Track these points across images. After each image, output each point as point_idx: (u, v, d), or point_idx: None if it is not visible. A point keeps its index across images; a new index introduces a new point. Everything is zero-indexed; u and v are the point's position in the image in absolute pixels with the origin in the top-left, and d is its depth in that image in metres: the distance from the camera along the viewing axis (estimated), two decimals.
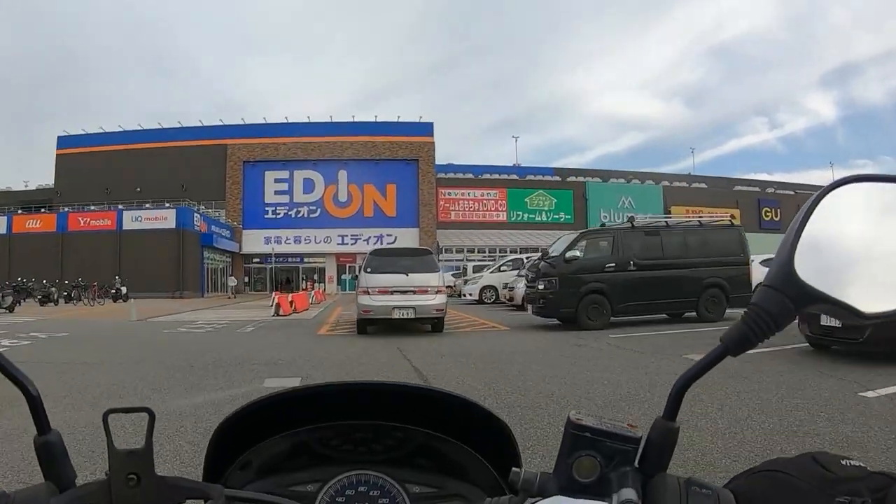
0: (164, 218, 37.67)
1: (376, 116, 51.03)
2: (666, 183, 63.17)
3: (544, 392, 5.63)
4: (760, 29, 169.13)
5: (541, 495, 0.56)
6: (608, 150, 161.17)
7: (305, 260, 48.33)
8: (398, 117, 50.95)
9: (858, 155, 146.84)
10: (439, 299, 11.18)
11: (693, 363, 0.56)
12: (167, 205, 39.42)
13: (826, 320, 6.74)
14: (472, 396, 0.79)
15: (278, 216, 48.40)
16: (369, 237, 47.77)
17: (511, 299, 17.88)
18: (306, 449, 0.83)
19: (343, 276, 47.37)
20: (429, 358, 8.03)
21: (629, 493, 0.52)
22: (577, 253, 11.24)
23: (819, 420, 4.42)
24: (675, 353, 8.02)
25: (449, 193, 53.81)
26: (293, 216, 48.34)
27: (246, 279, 47.96)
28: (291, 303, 18.11)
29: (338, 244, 47.79)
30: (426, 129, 50.52)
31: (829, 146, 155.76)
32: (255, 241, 46.82)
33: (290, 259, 48.15)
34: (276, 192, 48.68)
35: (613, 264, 11.48)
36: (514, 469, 0.57)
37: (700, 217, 14.89)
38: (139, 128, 51.03)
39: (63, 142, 52.03)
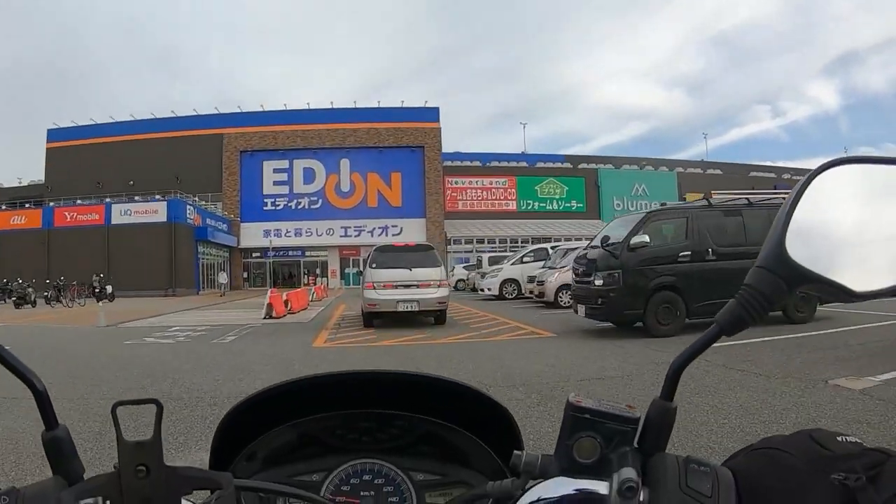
0: (154, 211, 35.27)
1: (379, 102, 48.54)
2: (680, 169, 60.61)
3: None
4: (761, 17, 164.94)
5: (542, 477, 0.57)
6: (611, 140, 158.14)
7: (307, 253, 45.98)
8: (402, 102, 48.42)
9: (861, 142, 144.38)
10: (441, 292, 11.65)
11: (687, 345, 0.57)
12: (157, 197, 36.92)
13: None
14: (473, 383, 0.78)
15: (278, 208, 46.04)
16: (373, 228, 45.41)
17: (540, 295, 15.41)
18: (311, 438, 0.84)
19: (347, 270, 45.03)
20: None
21: (629, 472, 0.52)
22: (645, 238, 8.71)
23: None
24: (810, 376, 5.59)
25: (456, 182, 51.37)
26: (293, 208, 45.96)
27: (245, 275, 45.71)
28: (286, 302, 15.69)
29: (341, 236, 45.39)
30: (432, 114, 47.93)
31: (833, 134, 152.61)
32: (253, 235, 44.43)
33: (290, 253, 45.79)
34: (276, 183, 46.30)
35: (689, 253, 8.99)
36: (515, 452, 0.58)
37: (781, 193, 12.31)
38: (131, 118, 48.72)
39: (53, 135, 49.87)
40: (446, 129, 47.58)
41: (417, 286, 11.43)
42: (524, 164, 56.46)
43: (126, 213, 35.80)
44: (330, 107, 47.52)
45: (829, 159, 0.56)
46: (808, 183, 0.55)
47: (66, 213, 37.19)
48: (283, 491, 0.70)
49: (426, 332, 9.91)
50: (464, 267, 31.72)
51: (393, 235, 45.09)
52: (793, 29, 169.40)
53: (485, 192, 52.59)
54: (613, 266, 8.80)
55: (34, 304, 24.87)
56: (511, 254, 23.93)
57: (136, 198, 37.78)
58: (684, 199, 56.91)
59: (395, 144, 46.66)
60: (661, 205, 10.01)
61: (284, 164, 46.30)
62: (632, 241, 8.74)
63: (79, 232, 35.77)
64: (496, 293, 19.45)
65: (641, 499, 0.52)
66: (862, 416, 4.21)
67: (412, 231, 45.27)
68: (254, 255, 45.23)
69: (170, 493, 0.55)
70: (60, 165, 47.75)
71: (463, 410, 0.82)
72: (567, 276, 14.88)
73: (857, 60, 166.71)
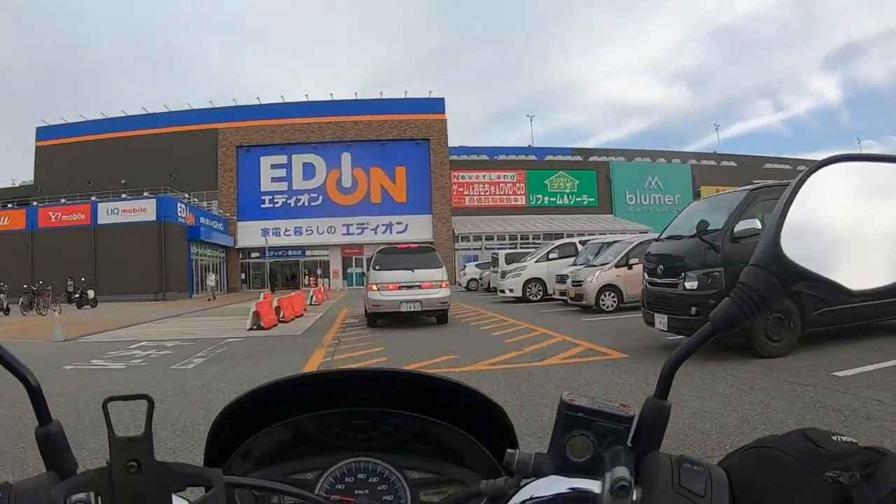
0: (143, 210, 32.93)
1: (381, 93, 46.16)
2: (693, 161, 58.19)
3: None
4: (761, 10, 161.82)
5: (535, 475, 0.57)
6: (613, 136, 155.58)
7: (307, 253, 43.66)
8: (405, 93, 46.06)
9: (863, 135, 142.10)
10: (443, 293, 11.83)
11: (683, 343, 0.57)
12: (145, 194, 34.61)
13: None
14: (467, 382, 0.78)
15: (276, 205, 43.74)
16: (377, 226, 43.08)
17: (578, 297, 13.04)
18: (306, 437, 0.84)
19: (349, 270, 42.70)
20: None
21: (622, 471, 0.52)
22: (755, 224, 6.28)
23: None
24: None
25: (462, 177, 49.04)
26: (292, 205, 43.66)
27: (242, 276, 43.45)
28: (278, 309, 13.38)
29: (343, 234, 43.06)
30: (437, 105, 45.54)
31: (834, 127, 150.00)
32: (251, 234, 42.11)
33: (290, 252, 43.52)
34: (274, 179, 43.99)
35: None
36: (508, 451, 0.58)
37: None
38: (123, 114, 46.49)
39: (42, 133, 47.80)
40: (448, 128, 44.91)
41: (420, 287, 11.65)
42: (533, 157, 54.09)
43: (113, 212, 33.47)
44: (330, 98, 45.18)
45: (825, 157, 0.56)
46: (804, 180, 0.54)
47: (51, 214, 34.91)
48: (276, 488, 0.70)
49: (451, 356, 7.60)
50: (476, 265, 29.27)
51: (398, 233, 42.78)
52: (794, 21, 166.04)
53: (492, 187, 50.34)
54: (712, 263, 6.41)
55: (7, 311, 22.64)
56: (532, 250, 21.52)
57: (124, 196, 35.41)
58: (699, 194, 55.03)
59: (399, 137, 44.31)
60: (757, 187, 7.51)
61: (283, 159, 44.00)
62: (737, 229, 6.34)
63: (64, 233, 33.47)
64: (519, 294, 17.08)
65: (634, 498, 0.52)
66: None
67: (418, 228, 42.97)
68: (252, 255, 42.95)
69: (161, 489, 0.55)
70: (50, 164, 45.81)
71: (457, 408, 0.81)
72: (610, 275, 12.56)
73: (858, 53, 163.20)
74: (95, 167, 42.84)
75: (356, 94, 48.13)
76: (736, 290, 0.54)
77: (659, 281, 7.34)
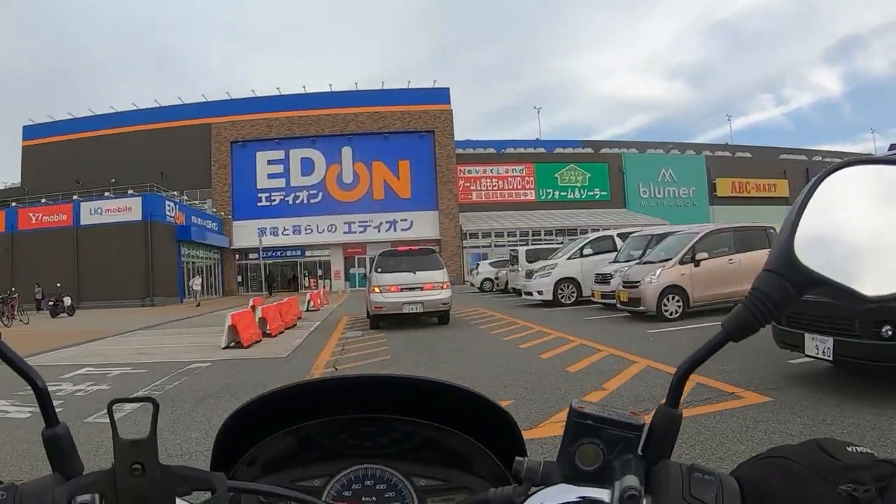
0: (128, 208, 30.50)
1: (383, 83, 43.66)
2: (708, 153, 55.67)
3: None
4: (762, 3, 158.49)
5: (544, 484, 0.57)
6: (615, 132, 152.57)
7: (307, 253, 41.23)
8: (408, 83, 43.55)
9: (864, 128, 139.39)
10: (444, 294, 11.83)
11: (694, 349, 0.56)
12: (130, 192, 32.19)
13: None
14: (476, 388, 0.77)
15: (273, 203, 41.35)
16: (380, 223, 40.63)
17: (631, 301, 10.59)
18: (313, 443, 0.84)
19: (352, 271, 40.29)
20: None
21: (632, 480, 0.52)
22: None
23: None
24: None
25: (469, 171, 46.61)
26: (291, 203, 41.26)
27: (239, 278, 41.09)
28: (262, 321, 10.97)
29: (344, 233, 40.61)
30: (442, 95, 43.06)
31: (836, 120, 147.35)
32: (247, 234, 39.60)
33: (289, 253, 41.11)
34: (270, 176, 41.59)
35: None
36: (517, 458, 0.58)
37: None
38: (112, 111, 44.17)
39: (29, 132, 45.66)
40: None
41: (422, 288, 11.65)
42: (542, 150, 51.62)
43: (96, 212, 31.07)
44: (329, 90, 42.74)
45: (840, 160, 0.55)
46: (819, 184, 0.53)
47: (31, 215, 32.52)
48: (281, 493, 0.68)
49: (506, 401, 5.15)
50: (490, 264, 26.72)
51: (402, 230, 40.38)
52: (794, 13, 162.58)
53: (501, 182, 47.93)
54: None
55: None
56: (556, 246, 18.99)
57: (107, 194, 33.02)
58: (714, 185, 52.64)
59: (403, 129, 41.86)
60: None
61: (280, 154, 41.60)
62: None
63: (46, 235, 31.13)
64: (549, 297, 14.58)
65: None
66: None
67: (424, 225, 40.54)
68: (250, 256, 40.51)
69: (164, 492, 0.55)
70: (37, 165, 43.77)
71: (465, 415, 0.80)
72: (674, 274, 10.13)
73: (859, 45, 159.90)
74: (84, 166, 40.70)
75: (356, 84, 45.65)
76: (749, 296, 0.53)
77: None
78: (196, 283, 25.65)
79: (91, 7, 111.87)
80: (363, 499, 0.81)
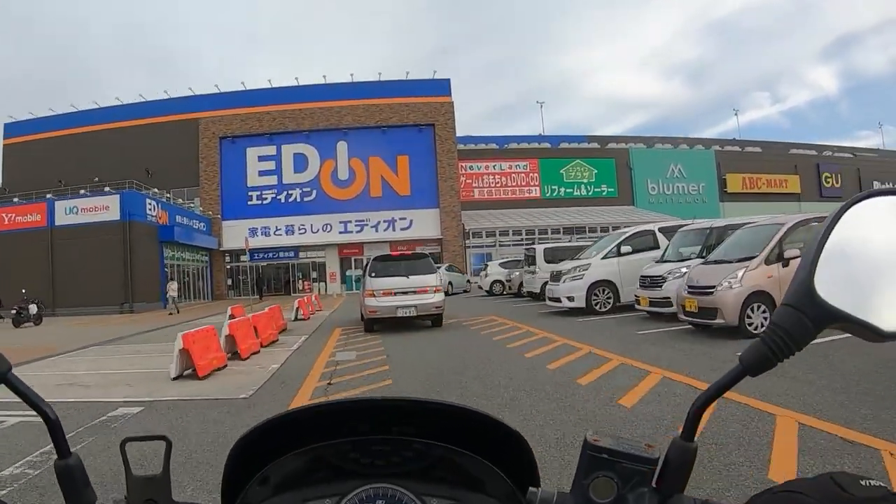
0: (105, 207, 28.08)
1: (380, 74, 41.33)
2: (717, 148, 53.64)
3: None
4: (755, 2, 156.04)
5: None
6: (612, 130, 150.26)
7: (301, 254, 38.87)
8: (407, 74, 41.22)
9: (861, 126, 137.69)
10: (437, 297, 11.94)
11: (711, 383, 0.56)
12: (107, 189, 29.80)
13: None
14: (490, 411, 0.76)
15: (265, 202, 38.98)
16: (378, 222, 38.29)
17: (704, 312, 8.24)
18: (324, 463, 0.84)
19: (348, 273, 37.93)
20: None
21: None
22: None
23: None
24: None
25: (470, 167, 44.41)
26: (283, 201, 38.90)
27: (229, 282, 38.70)
28: (230, 339, 8.63)
29: (340, 233, 38.24)
30: (442, 87, 40.72)
31: (833, 118, 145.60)
32: (238, 235, 37.11)
33: (281, 254, 38.75)
34: (262, 173, 39.22)
35: None
36: (531, 489, 0.59)
37: None
38: (95, 106, 41.79)
39: (10, 129, 43.49)
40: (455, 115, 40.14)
41: (415, 292, 11.73)
42: (547, 145, 49.39)
43: (72, 211, 28.65)
44: (323, 82, 40.39)
45: (861, 192, 0.53)
46: (840, 216, 0.52)
47: (4, 216, 30.13)
48: None
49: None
50: (500, 264, 24.32)
51: (401, 230, 38.09)
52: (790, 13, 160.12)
53: (504, 178, 45.79)
54: None
55: None
56: (584, 244, 16.58)
57: (83, 192, 30.62)
58: (724, 181, 50.48)
59: (401, 123, 39.53)
60: None
61: (271, 150, 39.26)
62: None
63: (18, 236, 28.79)
64: (582, 304, 12.21)
65: None
66: None
67: (424, 223, 38.22)
68: (242, 258, 38.11)
69: None
70: (19, 163, 41.52)
71: (479, 437, 0.79)
72: (760, 276, 7.84)
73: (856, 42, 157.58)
74: (67, 165, 38.45)
75: (352, 76, 43.29)
76: (767, 330, 0.52)
77: None
78: (172, 288, 23.24)
79: (87, 11, 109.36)
80: None
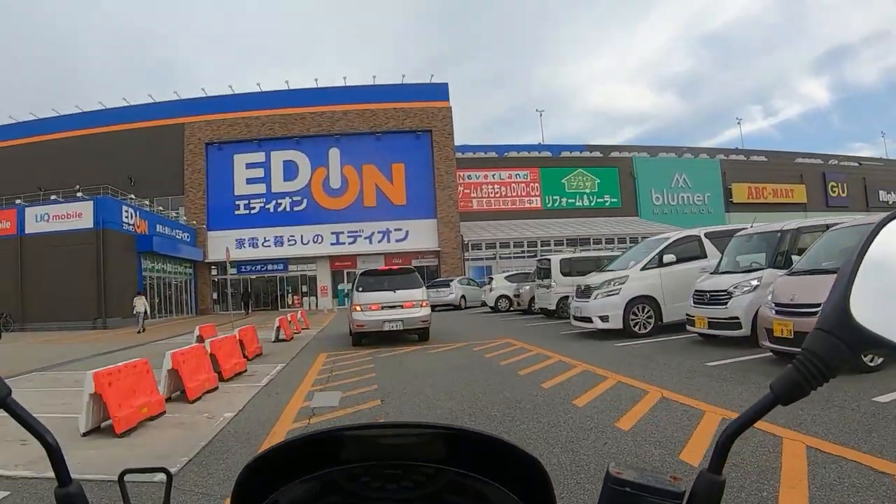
0: (77, 214, 25.95)
1: (374, 78, 39.49)
2: (722, 157, 52.06)
3: None
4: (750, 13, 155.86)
5: None
6: (609, 143, 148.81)
7: (290, 267, 36.71)
8: (403, 77, 39.38)
9: (855, 138, 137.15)
10: (424, 312, 12.02)
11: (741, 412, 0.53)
12: (79, 194, 27.67)
13: None
14: (507, 437, 0.76)
15: (253, 211, 36.89)
16: (372, 233, 36.21)
17: (792, 338, 6.17)
18: (335, 487, 0.82)
19: (340, 286, 35.73)
20: None
21: None
22: None
23: None
24: None
25: (469, 177, 42.51)
26: (272, 211, 36.82)
27: (214, 295, 36.49)
28: (173, 373, 6.50)
29: (331, 244, 36.14)
30: (440, 91, 38.88)
31: (825, 129, 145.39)
32: (224, 246, 34.92)
33: (270, 267, 36.59)
34: (249, 181, 37.17)
35: None
36: None
37: None
38: (77, 110, 39.70)
39: None
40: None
41: (402, 307, 11.85)
42: (547, 154, 47.57)
43: (42, 218, 26.52)
44: (315, 86, 38.50)
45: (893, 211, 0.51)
46: (875, 235, 0.49)
47: None
48: None
49: None
50: (507, 277, 22.17)
51: (397, 241, 36.04)
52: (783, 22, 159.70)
53: (504, 188, 43.99)
54: None
55: None
56: (615, 254, 14.49)
57: (54, 197, 28.43)
58: (729, 190, 48.81)
59: (397, 129, 37.62)
60: None
61: (260, 157, 37.28)
62: None
63: None
64: (619, 324, 10.12)
65: None
66: None
67: (420, 235, 36.17)
68: (228, 270, 36.00)
69: None
70: None
71: (494, 462, 0.77)
72: None
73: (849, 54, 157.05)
74: (46, 171, 36.24)
75: (345, 79, 41.39)
76: (799, 356, 0.50)
77: None
78: (141, 303, 21.06)
79: (86, 14, 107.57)
80: None
